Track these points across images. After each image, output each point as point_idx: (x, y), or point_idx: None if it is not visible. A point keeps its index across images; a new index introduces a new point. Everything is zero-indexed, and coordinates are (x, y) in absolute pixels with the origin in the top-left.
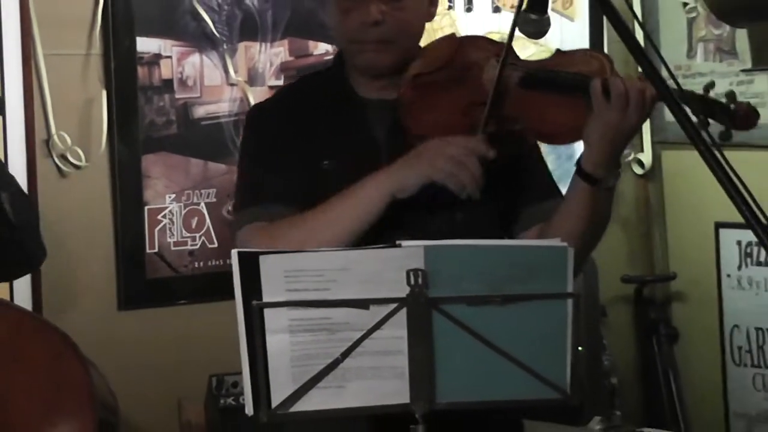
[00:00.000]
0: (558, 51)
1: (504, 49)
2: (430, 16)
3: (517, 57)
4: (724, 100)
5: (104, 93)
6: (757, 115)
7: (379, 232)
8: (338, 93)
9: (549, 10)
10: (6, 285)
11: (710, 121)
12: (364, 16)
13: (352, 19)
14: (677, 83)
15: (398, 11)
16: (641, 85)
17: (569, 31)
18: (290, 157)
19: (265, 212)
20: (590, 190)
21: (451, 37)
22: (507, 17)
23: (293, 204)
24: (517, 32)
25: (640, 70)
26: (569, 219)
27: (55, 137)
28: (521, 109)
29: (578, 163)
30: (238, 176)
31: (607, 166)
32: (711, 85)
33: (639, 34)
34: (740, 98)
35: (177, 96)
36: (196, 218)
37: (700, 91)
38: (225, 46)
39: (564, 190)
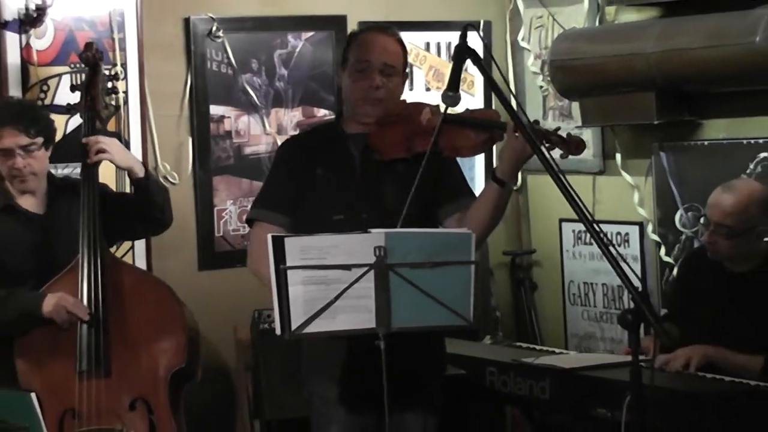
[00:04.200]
0: (467, 109)
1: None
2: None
3: (445, 110)
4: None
5: (190, 139)
6: (584, 143)
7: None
8: (332, 131)
9: (460, 90)
10: (130, 254)
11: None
12: (370, 82)
13: (360, 84)
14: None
15: (390, 83)
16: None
17: (471, 102)
18: (295, 169)
19: (259, 212)
20: (498, 189)
21: (402, 100)
22: (434, 94)
23: (279, 209)
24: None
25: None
26: (482, 209)
27: (160, 166)
28: (441, 136)
29: (493, 171)
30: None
31: (511, 175)
32: (537, 123)
33: (514, 104)
34: None
35: (234, 141)
36: (245, 215)
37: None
38: (263, 111)
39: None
